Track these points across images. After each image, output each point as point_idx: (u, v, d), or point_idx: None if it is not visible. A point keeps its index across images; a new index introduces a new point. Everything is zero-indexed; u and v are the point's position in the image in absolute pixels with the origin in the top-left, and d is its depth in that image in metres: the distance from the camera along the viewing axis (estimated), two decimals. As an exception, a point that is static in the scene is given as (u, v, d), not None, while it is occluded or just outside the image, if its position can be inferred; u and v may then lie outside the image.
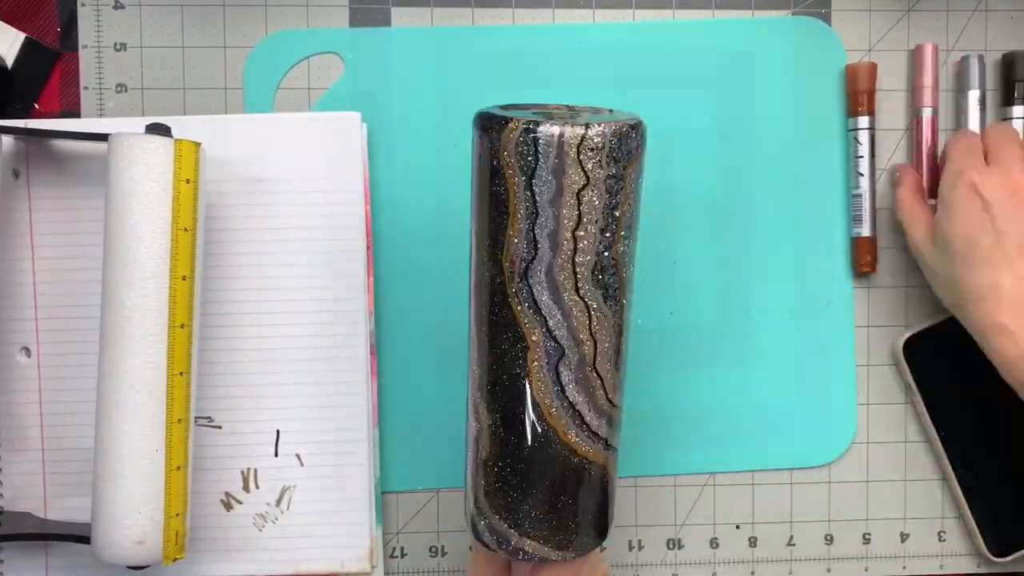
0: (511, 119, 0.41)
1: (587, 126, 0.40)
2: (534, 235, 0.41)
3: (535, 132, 0.40)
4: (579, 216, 0.41)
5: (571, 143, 0.40)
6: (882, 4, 0.59)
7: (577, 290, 0.42)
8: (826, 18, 0.59)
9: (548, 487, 0.44)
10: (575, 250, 0.41)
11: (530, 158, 0.40)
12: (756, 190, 0.58)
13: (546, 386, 0.43)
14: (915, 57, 0.59)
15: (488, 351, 0.43)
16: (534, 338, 0.42)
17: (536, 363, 0.42)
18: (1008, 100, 0.59)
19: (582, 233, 0.41)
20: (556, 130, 0.40)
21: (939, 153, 0.58)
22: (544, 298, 0.42)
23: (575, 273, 0.42)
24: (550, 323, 0.42)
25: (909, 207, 0.56)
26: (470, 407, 0.45)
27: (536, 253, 0.41)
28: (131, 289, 0.48)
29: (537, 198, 0.41)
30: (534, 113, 0.43)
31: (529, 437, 0.43)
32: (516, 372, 0.43)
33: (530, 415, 0.43)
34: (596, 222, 0.41)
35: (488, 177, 0.42)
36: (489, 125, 0.41)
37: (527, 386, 0.43)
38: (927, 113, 0.58)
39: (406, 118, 0.57)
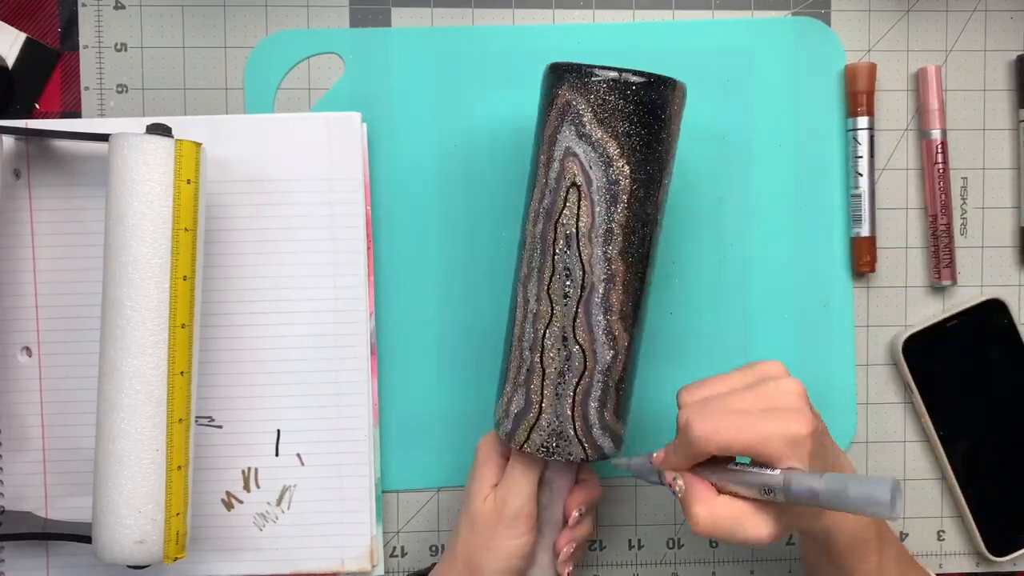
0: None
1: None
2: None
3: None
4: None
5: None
6: (882, 4, 0.59)
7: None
8: (826, 18, 0.59)
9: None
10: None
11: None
12: (756, 190, 0.58)
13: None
14: (920, 81, 0.59)
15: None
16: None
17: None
18: None
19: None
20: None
21: (950, 175, 0.59)
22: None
23: None
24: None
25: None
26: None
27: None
28: (131, 289, 0.48)
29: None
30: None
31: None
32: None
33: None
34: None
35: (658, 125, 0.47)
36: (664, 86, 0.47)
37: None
38: (936, 135, 0.58)
39: (406, 118, 0.57)
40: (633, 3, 0.58)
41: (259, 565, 0.56)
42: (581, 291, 0.47)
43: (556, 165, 0.47)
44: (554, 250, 0.47)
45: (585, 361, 0.47)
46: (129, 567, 0.49)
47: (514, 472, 0.49)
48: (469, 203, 0.57)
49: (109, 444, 0.48)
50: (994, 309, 0.59)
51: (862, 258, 0.58)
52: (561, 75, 0.47)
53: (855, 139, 0.58)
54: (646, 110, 0.46)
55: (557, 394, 0.48)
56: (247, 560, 0.56)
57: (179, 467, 0.49)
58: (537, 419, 0.48)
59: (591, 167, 0.46)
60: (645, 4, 0.58)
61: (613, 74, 0.46)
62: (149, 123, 0.50)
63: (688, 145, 0.58)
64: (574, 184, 0.46)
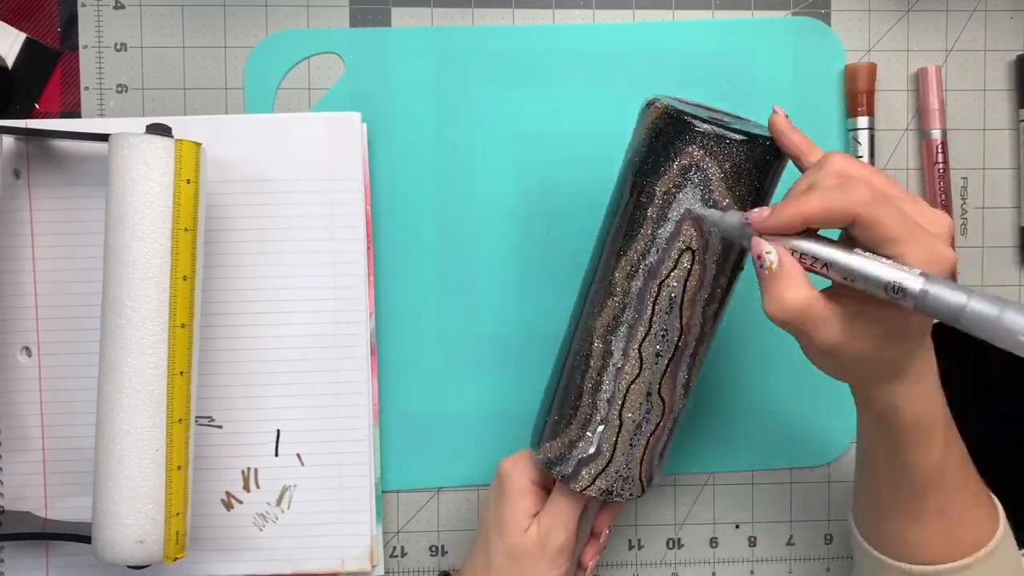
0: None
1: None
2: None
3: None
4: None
5: None
6: (882, 4, 0.59)
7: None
8: (826, 18, 0.59)
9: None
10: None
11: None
12: (756, 190, 0.58)
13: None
14: (920, 81, 0.59)
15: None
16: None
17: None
18: None
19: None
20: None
21: (950, 175, 0.59)
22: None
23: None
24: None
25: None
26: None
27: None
28: (131, 289, 0.48)
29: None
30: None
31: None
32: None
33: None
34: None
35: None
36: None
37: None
38: (936, 135, 0.58)
39: (406, 118, 0.57)
40: (633, 3, 0.58)
41: (259, 565, 0.56)
42: (674, 351, 0.46)
43: (670, 226, 0.44)
44: (653, 310, 0.45)
45: (663, 413, 0.47)
46: (129, 567, 0.49)
47: (561, 507, 0.48)
48: (469, 203, 0.57)
49: (109, 444, 0.48)
50: (994, 309, 0.59)
51: (862, 258, 0.58)
52: (691, 131, 0.43)
53: (855, 139, 0.58)
54: (765, 171, 0.44)
55: (631, 444, 0.47)
56: (247, 560, 0.56)
57: (179, 467, 0.49)
58: (606, 467, 0.47)
59: (711, 233, 0.44)
60: (645, 4, 0.58)
61: (748, 138, 0.43)
62: (149, 123, 0.50)
63: (688, 145, 0.58)
64: (689, 248, 0.44)
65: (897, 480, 0.45)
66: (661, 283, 0.44)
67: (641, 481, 0.48)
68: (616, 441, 0.47)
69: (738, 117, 0.49)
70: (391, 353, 0.57)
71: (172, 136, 0.49)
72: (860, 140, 0.58)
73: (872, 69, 0.58)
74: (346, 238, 0.55)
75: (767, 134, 0.44)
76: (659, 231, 0.44)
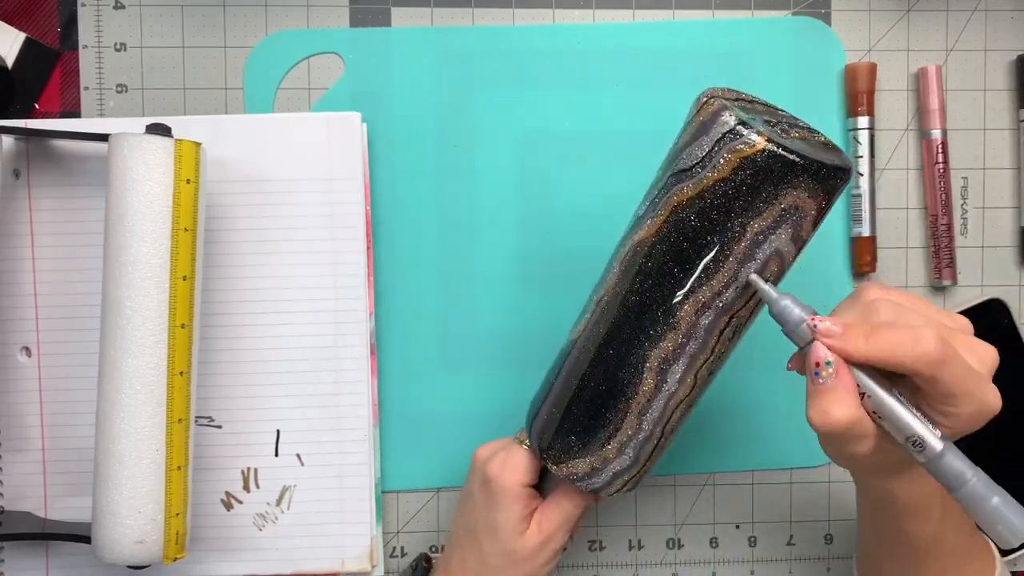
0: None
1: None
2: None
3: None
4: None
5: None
6: (882, 4, 0.59)
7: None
8: (826, 18, 0.59)
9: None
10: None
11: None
12: (756, 190, 0.58)
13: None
14: (920, 81, 0.59)
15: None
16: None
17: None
18: None
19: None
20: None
21: (951, 175, 0.59)
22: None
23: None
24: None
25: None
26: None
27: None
28: (131, 289, 0.48)
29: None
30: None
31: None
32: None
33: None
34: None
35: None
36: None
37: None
38: (936, 135, 0.58)
39: (406, 118, 0.57)
40: (633, 3, 0.58)
41: (259, 565, 0.56)
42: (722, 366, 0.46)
43: (756, 264, 0.42)
44: (718, 339, 0.44)
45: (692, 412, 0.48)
46: (129, 567, 0.49)
47: (567, 516, 0.49)
48: (469, 203, 0.57)
49: (109, 444, 0.48)
50: (994, 309, 0.59)
51: (862, 258, 0.58)
52: (796, 173, 0.40)
53: (855, 139, 0.58)
54: (834, 199, 0.42)
55: (663, 448, 0.47)
56: (247, 560, 0.56)
57: (179, 467, 0.49)
58: (638, 473, 0.47)
59: (786, 266, 0.43)
60: (645, 4, 0.58)
61: (836, 169, 0.40)
62: (149, 123, 0.50)
63: (688, 145, 0.58)
64: (767, 281, 0.42)
65: (896, 549, 0.46)
66: (733, 316, 0.43)
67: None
68: (653, 452, 0.47)
69: (779, 111, 0.46)
70: (391, 353, 0.57)
71: (172, 136, 0.49)
72: (860, 140, 0.58)
73: (872, 69, 0.58)
74: (346, 238, 0.55)
75: (828, 160, 0.41)
76: (742, 270, 0.42)
